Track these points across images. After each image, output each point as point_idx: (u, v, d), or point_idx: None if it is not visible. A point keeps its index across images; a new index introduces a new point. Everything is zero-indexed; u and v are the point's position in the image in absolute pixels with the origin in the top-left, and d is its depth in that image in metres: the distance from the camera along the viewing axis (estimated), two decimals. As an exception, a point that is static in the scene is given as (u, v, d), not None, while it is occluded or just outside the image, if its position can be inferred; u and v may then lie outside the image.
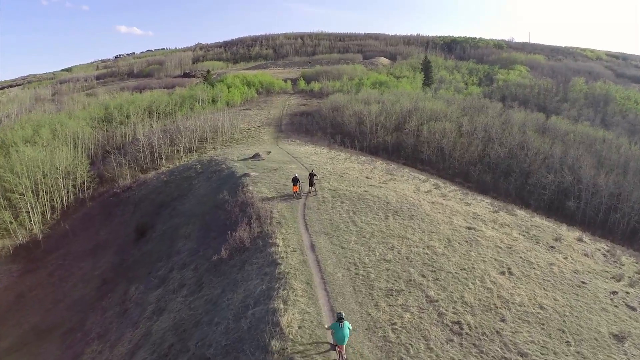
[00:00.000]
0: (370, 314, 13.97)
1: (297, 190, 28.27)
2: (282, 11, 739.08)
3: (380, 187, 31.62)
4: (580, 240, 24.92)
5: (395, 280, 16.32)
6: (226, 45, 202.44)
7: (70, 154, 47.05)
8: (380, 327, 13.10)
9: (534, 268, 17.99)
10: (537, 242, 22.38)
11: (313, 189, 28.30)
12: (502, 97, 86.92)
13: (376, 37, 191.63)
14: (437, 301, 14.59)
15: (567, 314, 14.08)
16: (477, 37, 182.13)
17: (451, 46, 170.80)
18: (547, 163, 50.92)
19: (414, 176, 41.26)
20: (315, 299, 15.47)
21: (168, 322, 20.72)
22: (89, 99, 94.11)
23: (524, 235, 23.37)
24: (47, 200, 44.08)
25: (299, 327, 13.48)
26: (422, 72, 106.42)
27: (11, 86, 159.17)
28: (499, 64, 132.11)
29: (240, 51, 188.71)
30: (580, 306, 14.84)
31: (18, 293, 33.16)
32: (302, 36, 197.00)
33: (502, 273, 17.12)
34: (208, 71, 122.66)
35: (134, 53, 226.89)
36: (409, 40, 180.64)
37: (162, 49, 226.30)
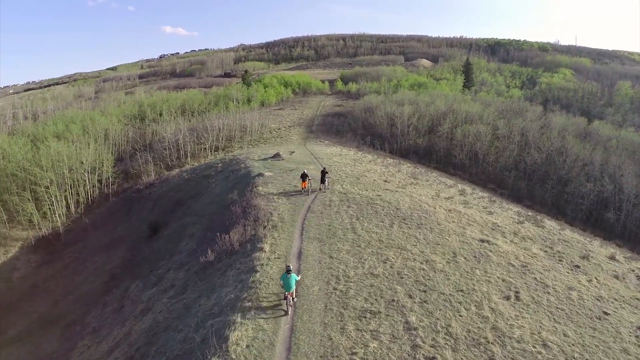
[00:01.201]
0: (331, 339, 12.41)
1: (306, 186, 28.61)
2: (325, 13, 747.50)
3: (396, 191, 29.84)
4: (612, 258, 21.54)
5: (376, 300, 14.63)
6: (268, 46, 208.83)
7: (97, 150, 49.50)
8: (337, 357, 11.53)
9: (548, 293, 15.39)
10: (560, 260, 19.50)
11: (324, 185, 28.55)
12: (544, 101, 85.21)
13: (419, 39, 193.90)
14: (416, 329, 12.71)
15: (577, 355, 11.59)
16: (522, 40, 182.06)
17: (495, 48, 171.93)
18: (586, 170, 47.70)
19: (441, 181, 38.69)
20: (274, 313, 14.29)
21: (147, 324, 20.50)
22: (126, 97, 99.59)
23: (545, 251, 20.54)
24: (72, 195, 46.62)
25: (247, 346, 12.38)
26: (463, 75, 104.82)
27: (57, 84, 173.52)
28: (543, 67, 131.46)
29: (281, 52, 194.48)
30: (596, 345, 12.21)
31: (32, 283, 35.05)
32: (344, 37, 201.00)
33: (507, 298, 14.78)
34: (246, 71, 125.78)
35: (178, 53, 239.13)
36: (452, 43, 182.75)
37: (205, 49, 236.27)
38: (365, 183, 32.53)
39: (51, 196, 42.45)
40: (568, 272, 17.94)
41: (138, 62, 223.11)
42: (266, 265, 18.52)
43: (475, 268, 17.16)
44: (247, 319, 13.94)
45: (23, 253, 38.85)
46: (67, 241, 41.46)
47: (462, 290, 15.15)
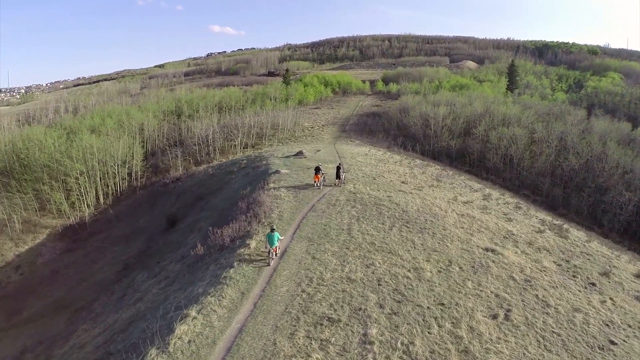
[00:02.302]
0: (275, 344, 11.73)
1: (318, 179, 29.12)
2: (372, 14, 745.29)
3: (410, 193, 28.46)
4: (639, 276, 18.63)
5: (341, 307, 13.67)
6: (313, 45, 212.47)
7: (127, 144, 52.24)
8: (272, 365, 10.81)
9: (547, 313, 13.47)
10: (574, 276, 17.19)
11: (339, 181, 29.24)
12: (589, 105, 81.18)
13: (465, 40, 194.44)
14: (371, 344, 11.58)
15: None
16: (570, 42, 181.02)
17: (542, 51, 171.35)
18: (626, 178, 43.68)
19: (467, 184, 36.40)
20: (234, 313, 13.94)
21: (131, 312, 20.97)
22: (166, 93, 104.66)
23: (559, 265, 18.28)
24: (102, 186, 49.51)
25: (188, 341, 12.26)
26: (507, 77, 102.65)
27: (106, 80, 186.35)
28: (591, 71, 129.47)
29: (326, 52, 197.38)
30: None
31: (53, 269, 37.48)
32: (389, 38, 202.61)
33: (494, 316, 13.12)
34: (287, 70, 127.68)
35: (224, 52, 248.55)
36: (498, 44, 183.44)
37: (252, 48, 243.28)
38: (380, 183, 31.42)
39: (80, 187, 45.32)
40: (579, 291, 15.73)
41: (185, 60, 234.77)
42: (244, 262, 18.24)
43: (468, 280, 15.56)
44: (202, 313, 13.87)
45: (50, 240, 41.74)
46: (92, 230, 43.96)
47: (442, 304, 13.72)
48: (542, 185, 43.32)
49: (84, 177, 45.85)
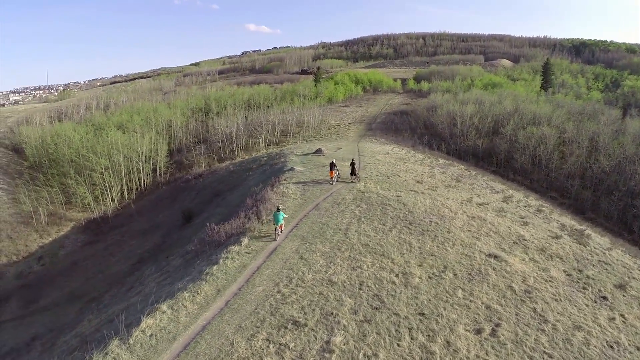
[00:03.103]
0: (233, 345, 11.44)
1: (333, 175, 29.70)
2: (407, 11, 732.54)
3: (422, 193, 27.37)
4: None
5: (313, 310, 13.12)
6: (347, 44, 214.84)
7: (152, 140, 54.02)
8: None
9: (542, 330, 12.13)
10: (584, 288, 15.49)
11: (354, 177, 29.68)
12: (625, 105, 77.05)
13: (500, 38, 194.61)
14: (332, 352, 10.89)
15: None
16: (608, 41, 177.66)
17: (579, 49, 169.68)
18: None
19: (489, 185, 34.51)
20: (204, 309, 13.88)
21: (125, 304, 21.43)
22: (198, 91, 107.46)
23: (569, 275, 16.59)
24: (126, 181, 51.48)
25: (150, 335, 12.47)
26: (542, 75, 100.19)
27: (142, 77, 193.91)
28: (629, 70, 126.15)
29: (360, 50, 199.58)
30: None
31: (73, 260, 39.25)
32: (424, 36, 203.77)
33: (478, 331, 12.00)
34: (318, 68, 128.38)
35: (259, 50, 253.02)
36: (535, 42, 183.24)
37: (287, 46, 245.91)
38: (393, 183, 30.46)
39: (105, 182, 47.32)
40: (586, 305, 14.16)
41: (221, 58, 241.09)
42: (230, 259, 18.21)
43: (460, 288, 14.46)
44: (172, 309, 14.04)
45: (73, 232, 43.84)
46: (114, 224, 45.74)
47: (423, 314, 12.78)
48: (571, 187, 40.32)
49: (109, 172, 47.80)
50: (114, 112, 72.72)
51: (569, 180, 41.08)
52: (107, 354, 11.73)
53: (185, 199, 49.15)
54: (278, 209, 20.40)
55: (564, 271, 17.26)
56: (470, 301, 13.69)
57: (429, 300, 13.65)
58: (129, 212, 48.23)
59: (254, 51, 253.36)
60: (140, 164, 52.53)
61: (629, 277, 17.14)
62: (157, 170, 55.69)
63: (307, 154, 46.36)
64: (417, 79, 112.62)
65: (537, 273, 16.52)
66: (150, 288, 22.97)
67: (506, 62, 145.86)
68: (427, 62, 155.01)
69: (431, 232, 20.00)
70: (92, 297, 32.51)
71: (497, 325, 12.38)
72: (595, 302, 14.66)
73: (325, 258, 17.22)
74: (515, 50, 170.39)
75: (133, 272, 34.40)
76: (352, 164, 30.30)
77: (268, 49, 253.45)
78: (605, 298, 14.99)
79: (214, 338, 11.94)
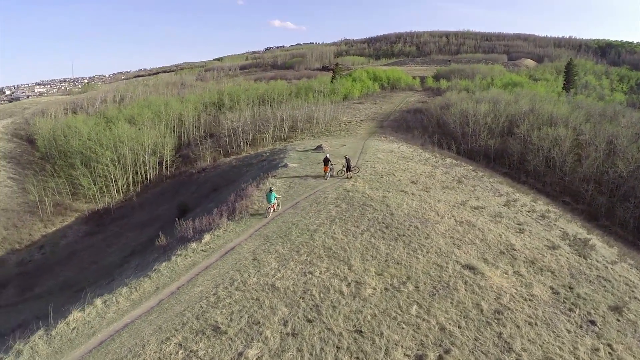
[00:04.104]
0: (144, 346, 10.67)
1: (327, 170, 29.61)
2: (430, 9, 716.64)
3: (412, 194, 25.51)
4: None
5: (240, 318, 11.77)
6: (370, 41, 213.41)
7: (158, 134, 53.91)
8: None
9: (500, 363, 10.29)
10: (570, 310, 13.34)
11: (350, 173, 29.23)
12: None
13: (525, 38, 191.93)
14: (244, 363, 9.60)
15: None
16: (635, 42, 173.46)
17: (605, 50, 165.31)
18: None
19: (494, 188, 32.06)
20: (135, 307, 13.34)
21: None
22: (214, 85, 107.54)
23: (556, 293, 14.42)
24: (132, 174, 51.58)
25: (73, 329, 12.39)
26: (564, 76, 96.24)
27: (165, 72, 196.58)
28: None
29: (383, 47, 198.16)
30: None
31: (72, 250, 39.40)
32: (447, 34, 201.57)
33: (419, 358, 10.25)
34: (337, 64, 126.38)
35: (283, 46, 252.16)
36: (559, 43, 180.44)
37: (310, 43, 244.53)
38: (385, 182, 28.62)
39: (110, 174, 47.47)
40: (568, 331, 12.05)
41: (244, 53, 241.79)
42: (182, 257, 17.42)
43: (417, 304, 12.66)
44: (106, 303, 13.90)
45: (76, 223, 44.15)
46: (115, 216, 45.83)
47: (360, 332, 11.10)
48: (585, 192, 37.05)
49: (114, 165, 47.94)
50: (127, 106, 73.40)
51: (583, 185, 37.87)
52: (27, 343, 11.81)
53: (186, 193, 48.76)
54: (270, 190, 22.11)
55: (551, 288, 15.10)
56: (423, 320, 11.89)
57: (374, 315, 11.95)
58: (132, 204, 48.27)
59: (277, 47, 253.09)
60: (146, 157, 52.49)
61: (629, 297, 14.86)
62: (164, 164, 55.61)
63: (307, 151, 45.10)
64: (437, 77, 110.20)
65: (516, 290, 14.47)
66: (119, 281, 22.37)
67: (530, 62, 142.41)
68: (449, 61, 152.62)
69: (407, 237, 18.18)
70: (81, 287, 32.22)
71: (447, 351, 10.56)
72: (581, 327, 12.55)
73: (280, 261, 15.80)
74: (540, 50, 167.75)
75: (122, 264, 34.09)
76: (347, 161, 29.64)
77: (291, 45, 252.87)
78: (593, 323, 12.84)
79: (130, 337, 11.36)
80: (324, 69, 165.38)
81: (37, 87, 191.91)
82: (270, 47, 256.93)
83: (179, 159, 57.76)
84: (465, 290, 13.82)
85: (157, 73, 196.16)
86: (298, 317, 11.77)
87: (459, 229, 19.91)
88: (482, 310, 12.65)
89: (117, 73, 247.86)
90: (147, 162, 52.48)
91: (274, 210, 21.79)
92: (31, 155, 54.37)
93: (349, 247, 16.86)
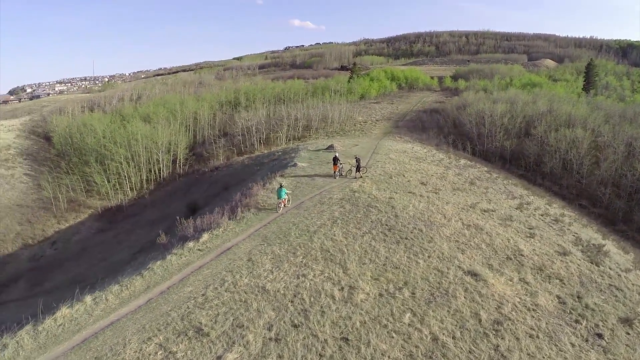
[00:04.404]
0: (125, 345, 10.60)
1: (336, 169, 29.38)
2: (450, 9, 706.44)
3: (420, 196, 24.87)
4: None
5: (225, 320, 11.49)
6: (389, 40, 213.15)
7: (171, 132, 54.45)
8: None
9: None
10: (577, 321, 12.48)
11: (359, 173, 28.86)
12: None
13: (545, 38, 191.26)
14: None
15: None
16: None
17: (626, 51, 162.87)
18: None
19: (508, 190, 31.02)
20: (124, 305, 13.31)
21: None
22: (230, 84, 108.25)
23: (563, 303, 13.59)
24: (145, 171, 52.27)
25: (59, 325, 12.45)
26: (584, 76, 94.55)
27: (185, 70, 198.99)
28: None
29: (402, 47, 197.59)
30: None
31: (83, 246, 40.12)
32: (466, 34, 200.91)
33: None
34: (354, 64, 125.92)
35: (302, 45, 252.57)
36: (580, 43, 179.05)
37: (330, 42, 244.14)
38: (393, 183, 28.01)
39: (123, 171, 48.21)
40: (572, 345, 11.26)
41: (263, 53, 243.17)
42: (178, 255, 17.41)
43: (410, 311, 12.08)
44: (95, 301, 13.92)
45: (89, 220, 44.99)
46: (128, 213, 46.50)
47: (346, 340, 10.63)
48: (603, 195, 35.38)
49: (128, 162, 48.67)
50: (143, 104, 74.56)
51: (601, 188, 36.24)
52: (14, 337, 11.91)
53: (198, 191, 49.11)
54: (281, 186, 22.76)
55: (558, 297, 14.30)
56: (415, 329, 11.32)
57: (364, 323, 11.46)
58: (144, 202, 48.92)
59: (296, 47, 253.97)
60: (160, 155, 53.11)
61: (640, 309, 13.95)
62: (177, 162, 56.21)
63: (318, 150, 44.77)
64: (456, 77, 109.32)
65: (520, 298, 13.73)
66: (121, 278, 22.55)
67: (550, 63, 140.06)
68: (468, 61, 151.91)
69: (409, 240, 17.59)
70: (89, 283, 32.71)
71: (436, 365, 10.05)
72: (586, 340, 11.76)
73: (274, 262, 15.46)
74: (560, 50, 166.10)
75: (131, 261, 34.47)
76: (357, 161, 29.39)
77: (311, 45, 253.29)
78: (600, 336, 12.03)
79: (113, 335, 11.29)
80: (343, 68, 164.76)
81: (58, 85, 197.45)
82: (289, 47, 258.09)
83: (193, 157, 58.29)
84: (465, 298, 13.17)
85: (177, 72, 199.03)
86: (284, 322, 11.40)
87: (466, 232, 19.18)
88: (480, 320, 11.99)
89: (138, 72, 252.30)
90: (160, 160, 53.08)
91: (284, 206, 22.27)
92: (47, 152, 55.85)
93: (347, 250, 16.39)
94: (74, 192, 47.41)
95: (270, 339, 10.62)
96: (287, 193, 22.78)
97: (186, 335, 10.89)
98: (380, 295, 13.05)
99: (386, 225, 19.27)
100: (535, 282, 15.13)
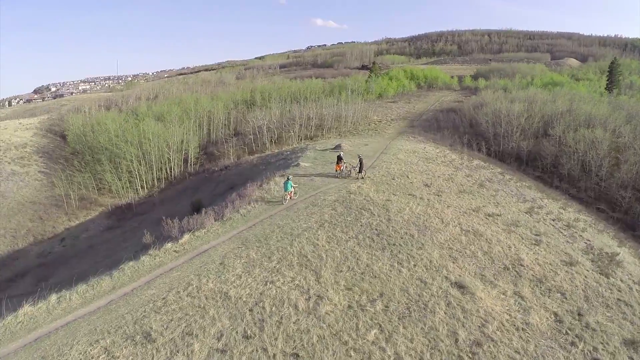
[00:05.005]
0: (72, 346, 10.41)
1: (340, 169, 29.07)
2: (473, 7, 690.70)
3: (420, 198, 23.59)
4: None
5: (176, 326, 10.97)
6: (411, 40, 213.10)
7: (183, 131, 54.66)
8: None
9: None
10: (573, 344, 11.08)
11: (361, 174, 28.00)
12: None
13: (569, 36, 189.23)
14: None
15: None
16: None
17: None
18: None
19: (520, 193, 29.17)
20: (85, 305, 13.15)
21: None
22: (248, 83, 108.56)
23: (559, 322, 12.19)
24: (156, 170, 52.65)
25: (18, 322, 12.25)
26: (607, 75, 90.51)
27: (207, 70, 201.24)
28: None
29: (424, 46, 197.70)
30: None
31: (91, 244, 40.53)
32: (489, 33, 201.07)
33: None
34: (374, 63, 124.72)
35: (325, 45, 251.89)
36: (605, 42, 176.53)
37: (352, 42, 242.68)
38: (395, 184, 26.77)
39: (134, 169, 48.67)
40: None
41: (285, 52, 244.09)
42: (151, 256, 17.03)
43: (378, 327, 10.99)
44: (60, 300, 13.68)
45: (99, 217, 45.54)
46: (137, 212, 46.81)
47: (297, 356, 9.68)
48: (622, 199, 32.77)
49: (138, 161, 49.10)
50: (158, 103, 75.37)
51: (620, 191, 33.64)
52: None
53: (206, 190, 49.01)
54: (288, 179, 23.42)
55: (555, 315, 12.84)
56: (378, 348, 10.24)
57: (322, 338, 10.46)
58: (153, 200, 49.20)
59: (319, 46, 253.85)
60: (171, 154, 53.42)
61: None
62: (189, 161, 56.44)
63: (325, 150, 43.86)
64: (476, 76, 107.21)
65: (509, 315, 12.38)
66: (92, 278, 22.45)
67: (573, 62, 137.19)
68: (490, 60, 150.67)
69: (397, 246, 16.44)
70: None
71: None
72: (573, 366, 10.44)
73: (246, 267, 14.68)
74: (584, 49, 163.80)
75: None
76: (360, 161, 28.34)
77: (333, 44, 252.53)
78: (595, 361, 10.68)
79: (64, 336, 11.08)
80: (363, 67, 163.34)
81: (82, 84, 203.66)
82: (311, 46, 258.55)
83: (204, 156, 58.43)
84: (445, 313, 11.95)
85: (199, 71, 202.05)
86: (236, 332, 10.60)
87: (462, 238, 17.83)
88: (456, 340, 10.79)
89: (161, 71, 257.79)
90: (171, 159, 53.38)
91: (290, 198, 22.98)
92: (63, 151, 57.17)
93: (326, 256, 15.41)
94: (85, 189, 48.16)
95: (216, 349, 9.90)
96: (293, 186, 23.35)
97: (133, 340, 10.53)
98: (350, 307, 12.01)
99: (376, 229, 18.17)
100: (531, 296, 13.72)
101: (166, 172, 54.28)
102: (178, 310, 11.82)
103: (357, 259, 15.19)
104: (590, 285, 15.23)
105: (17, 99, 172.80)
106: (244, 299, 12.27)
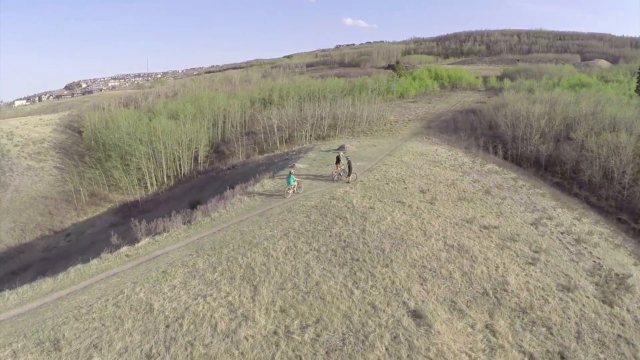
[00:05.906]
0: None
1: (338, 170, 28.49)
2: (503, 7, 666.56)
3: (408, 206, 21.86)
4: None
5: (88, 337, 10.58)
6: (439, 39, 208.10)
7: (193, 130, 54.75)
8: None
9: None
10: None
11: (349, 178, 27.18)
12: None
13: (600, 37, 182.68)
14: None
15: None
16: None
17: None
18: None
19: (530, 201, 26.75)
20: (19, 306, 13.32)
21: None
22: (267, 82, 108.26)
23: (546, 352, 10.46)
24: (166, 168, 53.01)
25: None
26: (638, 77, 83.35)
27: (235, 68, 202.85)
28: None
29: (452, 46, 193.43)
30: None
31: (94, 240, 41.03)
32: (518, 33, 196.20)
33: None
34: (397, 62, 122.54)
35: (353, 44, 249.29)
36: (637, 43, 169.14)
37: (380, 41, 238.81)
38: (387, 190, 25.05)
39: (144, 167, 49.14)
40: None
41: (314, 51, 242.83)
42: (101, 259, 16.64)
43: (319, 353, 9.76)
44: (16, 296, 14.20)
45: (106, 214, 46.22)
46: (143, 209, 47.14)
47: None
48: None
49: (148, 158, 49.54)
50: (177, 101, 76.07)
51: None
52: None
53: (210, 189, 48.80)
54: (290, 173, 24.78)
55: (530, 356, 10.89)
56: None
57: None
58: (159, 198, 49.50)
59: (347, 45, 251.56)
60: (181, 152, 53.65)
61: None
62: (198, 159, 56.57)
63: (328, 150, 42.69)
64: (503, 76, 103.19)
65: (468, 357, 10.66)
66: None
67: (603, 63, 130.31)
68: (518, 60, 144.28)
69: (360, 262, 14.95)
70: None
71: None
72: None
73: (186, 277, 13.76)
74: (615, 50, 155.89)
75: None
76: (348, 163, 27.40)
77: (361, 43, 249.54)
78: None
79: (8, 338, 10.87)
80: (390, 67, 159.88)
81: (112, 81, 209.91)
82: (340, 45, 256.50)
83: (214, 154, 58.41)
84: (386, 350, 10.35)
85: (227, 69, 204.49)
86: (141, 350, 9.68)
87: (443, 255, 16.06)
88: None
89: (190, 69, 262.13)
90: (181, 157, 53.62)
91: (293, 192, 23.81)
92: (79, 147, 58.76)
93: (275, 270, 14.20)
94: (96, 185, 49.05)
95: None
96: (296, 180, 24.12)
97: (42, 346, 10.17)
98: (275, 333, 10.72)
99: (344, 241, 16.74)
100: (507, 331, 11.72)
101: (176, 170, 54.56)
102: (97, 320, 11.18)
103: (308, 275, 13.86)
104: (587, 317, 13.08)
105: (48, 95, 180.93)
106: (166, 314, 11.31)
